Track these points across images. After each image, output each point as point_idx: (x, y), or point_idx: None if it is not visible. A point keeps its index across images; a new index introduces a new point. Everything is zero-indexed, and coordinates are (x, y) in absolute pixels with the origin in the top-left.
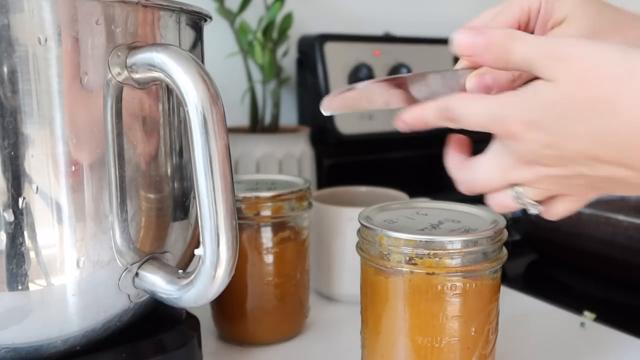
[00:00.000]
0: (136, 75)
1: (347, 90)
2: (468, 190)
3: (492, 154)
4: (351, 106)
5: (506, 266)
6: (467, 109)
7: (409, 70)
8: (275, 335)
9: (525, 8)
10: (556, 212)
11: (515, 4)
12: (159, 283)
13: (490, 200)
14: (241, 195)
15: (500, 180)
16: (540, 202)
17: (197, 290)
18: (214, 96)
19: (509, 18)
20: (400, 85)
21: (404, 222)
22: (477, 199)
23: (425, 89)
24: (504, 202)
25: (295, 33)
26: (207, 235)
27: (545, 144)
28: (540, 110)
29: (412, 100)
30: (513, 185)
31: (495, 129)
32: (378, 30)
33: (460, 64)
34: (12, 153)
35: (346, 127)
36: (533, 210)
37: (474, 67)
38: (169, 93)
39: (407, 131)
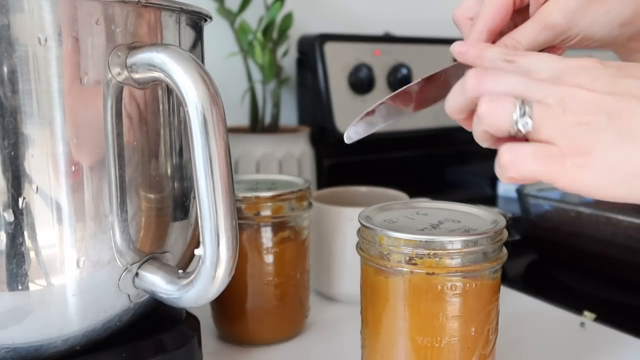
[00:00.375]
0: (136, 75)
1: (367, 114)
2: (480, 81)
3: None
4: (372, 127)
5: (506, 266)
6: (536, 56)
7: (408, 70)
8: (275, 335)
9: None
10: (535, 156)
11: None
12: (159, 283)
13: (494, 101)
14: (241, 195)
15: (530, 85)
16: (531, 131)
17: (197, 290)
18: (214, 96)
19: None
20: (413, 93)
21: (404, 222)
22: (477, 199)
23: (436, 89)
24: (505, 109)
25: (295, 33)
26: (207, 235)
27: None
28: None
29: (425, 103)
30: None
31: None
32: (378, 30)
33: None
34: (12, 153)
35: (346, 127)
36: (522, 127)
37: None
38: (169, 93)
39: (460, 61)
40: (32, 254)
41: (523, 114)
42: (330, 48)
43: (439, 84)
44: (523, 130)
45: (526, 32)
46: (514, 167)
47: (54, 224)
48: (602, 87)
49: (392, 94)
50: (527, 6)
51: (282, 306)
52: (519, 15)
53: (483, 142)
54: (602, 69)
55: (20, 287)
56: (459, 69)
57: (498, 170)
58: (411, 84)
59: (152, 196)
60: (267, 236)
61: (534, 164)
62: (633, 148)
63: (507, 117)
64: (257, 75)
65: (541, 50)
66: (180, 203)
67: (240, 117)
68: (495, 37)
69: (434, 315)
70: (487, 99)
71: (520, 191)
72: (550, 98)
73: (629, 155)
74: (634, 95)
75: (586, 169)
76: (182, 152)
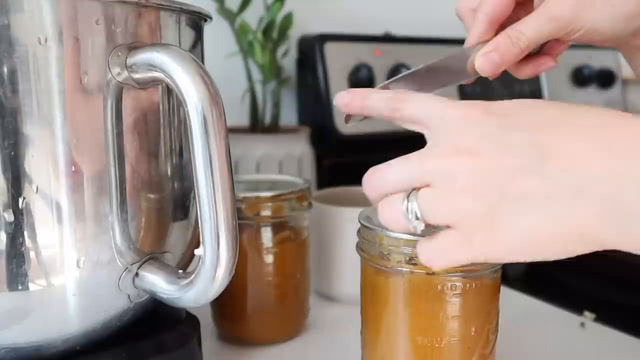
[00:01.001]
0: (136, 75)
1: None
2: (371, 188)
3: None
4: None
5: (506, 266)
6: (418, 101)
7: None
8: (275, 335)
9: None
10: (436, 245)
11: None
12: (159, 283)
13: (385, 205)
14: (241, 195)
15: (412, 171)
16: (425, 222)
17: (197, 290)
18: (214, 96)
19: None
20: (415, 82)
21: None
22: None
23: (436, 77)
24: (394, 210)
25: (295, 33)
26: (207, 236)
27: (499, 126)
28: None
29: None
30: (413, 187)
31: (449, 109)
32: (378, 30)
33: (467, 43)
34: (12, 153)
35: (346, 127)
36: (415, 226)
37: (484, 42)
38: (169, 93)
39: (346, 112)
40: (32, 254)
41: (406, 209)
42: (330, 48)
43: (441, 71)
44: (416, 224)
45: (530, 24)
46: (433, 264)
47: (54, 224)
48: (488, 149)
49: (402, 74)
50: None
51: (282, 306)
52: (523, 8)
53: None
54: (487, 121)
55: (20, 287)
56: (456, 59)
57: (422, 261)
58: (416, 68)
59: (152, 196)
60: (267, 236)
61: (445, 257)
62: (531, 213)
63: (399, 216)
64: (257, 75)
65: (544, 44)
66: (180, 203)
67: (240, 117)
68: (498, 28)
69: (434, 315)
70: (379, 206)
71: None
72: (439, 177)
73: (529, 223)
74: (522, 153)
75: (491, 245)
76: (182, 152)
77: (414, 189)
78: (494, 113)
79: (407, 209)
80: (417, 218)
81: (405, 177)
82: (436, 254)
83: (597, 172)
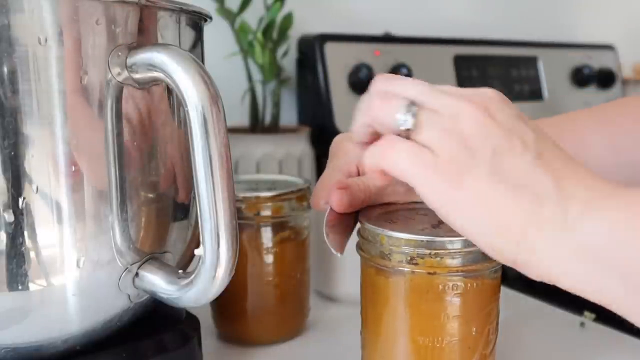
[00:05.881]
0: (136, 75)
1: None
2: (379, 81)
3: None
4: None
5: (506, 266)
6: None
7: (408, 70)
8: (275, 335)
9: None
10: (408, 155)
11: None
12: (159, 283)
13: (382, 98)
14: (241, 195)
15: (426, 91)
16: (412, 131)
17: (197, 290)
18: (214, 96)
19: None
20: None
21: (404, 222)
22: None
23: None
24: (389, 107)
25: (295, 33)
26: (207, 235)
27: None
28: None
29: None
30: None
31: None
32: (378, 30)
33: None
34: (12, 153)
35: (346, 127)
36: (402, 123)
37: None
38: (169, 93)
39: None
40: (32, 254)
41: (406, 112)
42: (330, 48)
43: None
44: (402, 127)
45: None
46: (383, 156)
47: (54, 224)
48: (501, 120)
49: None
50: None
51: (282, 306)
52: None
53: (361, 136)
54: (507, 105)
55: (20, 287)
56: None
57: (367, 155)
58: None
59: (152, 196)
60: (267, 236)
61: (404, 161)
62: (497, 190)
63: (392, 111)
64: (257, 75)
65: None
66: (180, 203)
67: (240, 117)
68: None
69: (434, 315)
70: (381, 95)
71: None
72: (446, 109)
73: (489, 196)
74: (523, 141)
75: (450, 190)
76: (182, 152)
77: (414, 104)
78: (509, 106)
79: (405, 111)
80: (406, 128)
81: (417, 90)
82: (397, 151)
83: (571, 190)
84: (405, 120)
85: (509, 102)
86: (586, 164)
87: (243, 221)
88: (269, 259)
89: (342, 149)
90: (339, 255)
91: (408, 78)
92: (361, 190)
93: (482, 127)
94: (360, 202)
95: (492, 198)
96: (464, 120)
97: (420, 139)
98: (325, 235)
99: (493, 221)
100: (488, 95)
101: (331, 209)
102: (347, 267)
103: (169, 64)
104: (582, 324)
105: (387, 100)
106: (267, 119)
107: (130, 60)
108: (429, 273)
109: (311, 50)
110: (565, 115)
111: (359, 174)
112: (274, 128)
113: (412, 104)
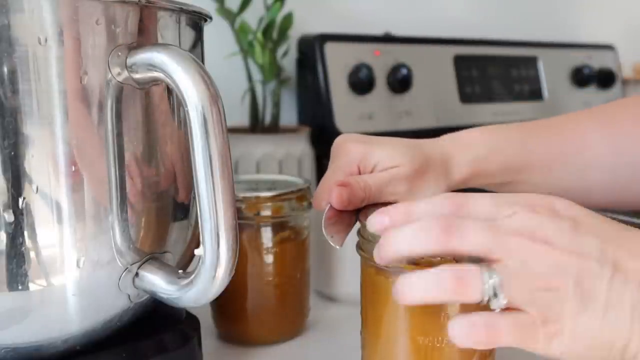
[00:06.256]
0: (136, 75)
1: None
2: (443, 229)
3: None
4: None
5: None
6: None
7: (408, 70)
8: (275, 335)
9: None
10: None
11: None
12: (159, 283)
13: (454, 278)
14: (241, 195)
15: (492, 212)
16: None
17: (197, 290)
18: (214, 96)
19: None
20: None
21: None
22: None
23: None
24: (469, 284)
25: (295, 33)
26: (207, 235)
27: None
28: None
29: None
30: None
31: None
32: (378, 30)
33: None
34: (12, 153)
35: (346, 127)
36: (496, 305)
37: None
38: (169, 93)
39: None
40: (32, 254)
41: (494, 294)
42: (330, 48)
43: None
44: (496, 308)
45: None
46: (494, 339)
47: (54, 224)
48: (564, 245)
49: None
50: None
51: (282, 306)
52: None
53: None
54: (559, 220)
55: (20, 287)
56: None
57: (460, 335)
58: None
59: (152, 196)
60: (267, 236)
61: (511, 335)
62: (592, 317)
63: (477, 293)
64: (257, 75)
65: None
66: (180, 203)
67: (240, 117)
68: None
69: (435, 315)
70: (452, 275)
71: None
72: (514, 256)
73: (588, 326)
74: (594, 257)
75: (555, 339)
76: (182, 152)
77: (481, 261)
78: (563, 218)
79: (490, 291)
80: (494, 295)
81: (485, 242)
82: (502, 331)
83: None
84: (499, 303)
85: (557, 217)
86: (586, 164)
87: (243, 221)
88: (269, 259)
89: (343, 149)
90: (337, 247)
91: (466, 223)
92: (361, 188)
93: (553, 265)
94: (360, 200)
95: (586, 328)
96: (534, 264)
97: (511, 305)
98: (324, 230)
99: (596, 342)
100: (532, 220)
101: (331, 205)
102: (347, 267)
103: (169, 64)
104: None
105: (465, 282)
106: (267, 119)
107: (130, 60)
108: None
109: (311, 50)
110: (565, 116)
111: (360, 174)
112: (274, 128)
113: (488, 276)
